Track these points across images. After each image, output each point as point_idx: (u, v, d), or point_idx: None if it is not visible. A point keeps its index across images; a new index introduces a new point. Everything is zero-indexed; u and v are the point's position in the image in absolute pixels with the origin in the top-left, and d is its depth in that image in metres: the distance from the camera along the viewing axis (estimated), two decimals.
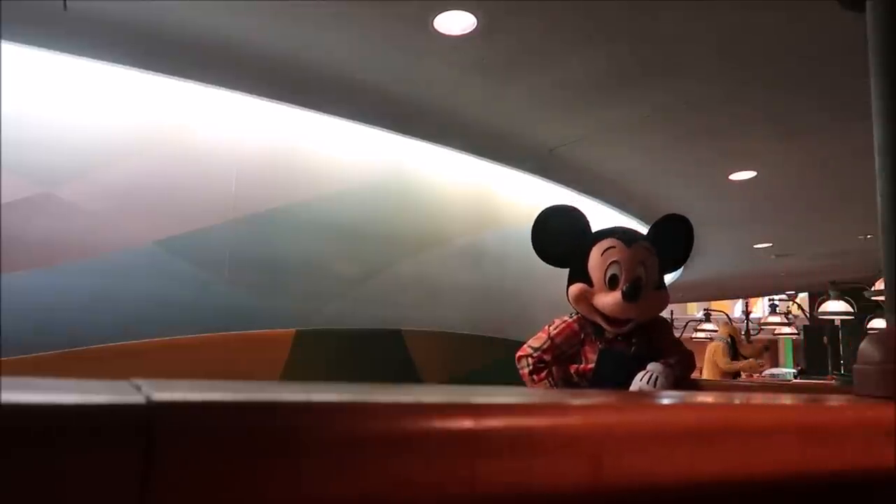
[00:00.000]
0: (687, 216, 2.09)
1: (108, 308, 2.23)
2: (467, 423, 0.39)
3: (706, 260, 6.16)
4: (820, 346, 9.73)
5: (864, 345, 0.76)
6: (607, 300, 1.80)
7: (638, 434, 0.46)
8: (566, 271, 1.94)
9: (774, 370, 11.88)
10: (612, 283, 1.81)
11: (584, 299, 1.84)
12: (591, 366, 1.85)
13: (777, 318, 8.19)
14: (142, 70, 2.36)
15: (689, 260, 2.14)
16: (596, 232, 1.93)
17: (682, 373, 1.89)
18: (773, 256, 6.36)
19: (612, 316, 1.81)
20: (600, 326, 1.85)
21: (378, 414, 0.38)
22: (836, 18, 1.59)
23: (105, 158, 2.30)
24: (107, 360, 2.16)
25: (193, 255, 2.42)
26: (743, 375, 6.17)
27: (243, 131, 2.64)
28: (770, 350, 7.98)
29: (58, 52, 2.20)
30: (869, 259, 5.84)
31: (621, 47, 2.36)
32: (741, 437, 0.51)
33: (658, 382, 1.76)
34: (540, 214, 1.93)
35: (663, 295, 1.93)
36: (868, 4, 0.91)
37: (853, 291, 6.29)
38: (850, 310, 6.06)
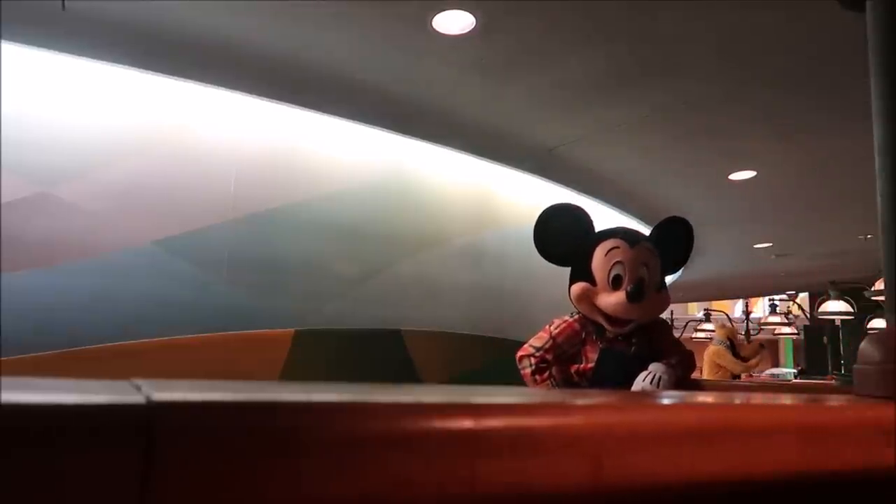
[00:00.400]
0: (687, 216, 2.10)
1: (108, 308, 2.23)
2: (467, 423, 0.39)
3: (706, 260, 6.16)
4: (820, 346, 9.73)
5: (864, 345, 0.76)
6: (610, 300, 1.80)
7: (638, 434, 0.46)
8: (567, 271, 1.93)
9: (775, 370, 11.90)
10: (616, 284, 1.81)
11: (587, 299, 1.84)
12: (591, 365, 1.84)
13: (777, 318, 8.19)
14: (141, 70, 2.35)
15: (688, 261, 2.14)
16: (599, 232, 1.93)
17: (683, 373, 1.89)
18: (773, 256, 6.36)
19: (615, 316, 1.81)
20: (601, 326, 1.85)
21: (378, 414, 0.38)
22: (836, 18, 1.59)
23: (104, 158, 2.30)
24: (106, 360, 2.16)
25: (193, 255, 2.42)
26: (743, 376, 6.15)
27: (242, 131, 2.64)
28: (767, 349, 7.95)
29: (57, 52, 2.20)
30: (869, 259, 5.84)
31: (620, 47, 2.36)
32: (741, 437, 0.51)
33: (661, 383, 1.76)
34: (542, 213, 1.92)
35: (665, 296, 1.93)
36: (868, 4, 0.91)
37: (853, 291, 6.29)
38: (850, 310, 6.06)
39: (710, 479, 0.48)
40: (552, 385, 1.86)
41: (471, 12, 2.13)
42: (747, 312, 9.15)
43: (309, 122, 2.79)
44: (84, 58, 2.24)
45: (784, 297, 8.57)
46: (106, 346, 2.18)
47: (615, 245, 1.84)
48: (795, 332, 8.82)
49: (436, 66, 2.53)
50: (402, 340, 2.91)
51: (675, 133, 3.19)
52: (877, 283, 5.54)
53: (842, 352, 9.02)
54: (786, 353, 16.80)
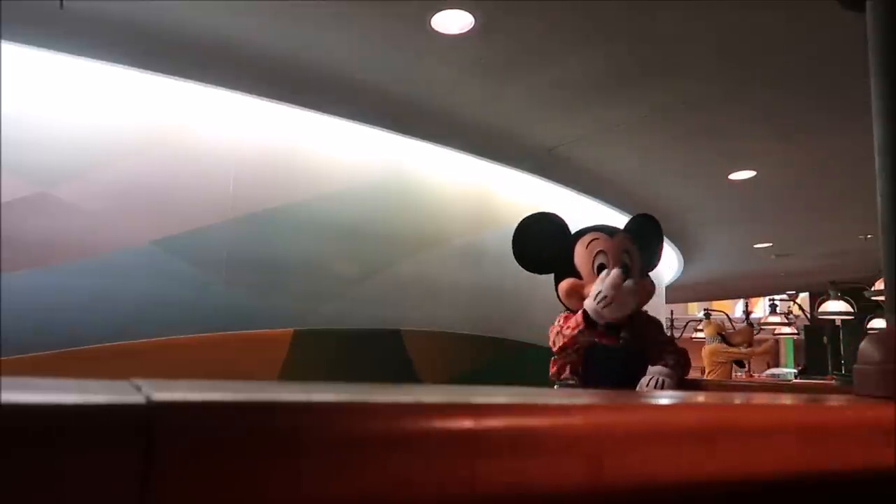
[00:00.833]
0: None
1: (107, 308, 2.23)
2: (467, 423, 0.39)
3: (706, 260, 6.17)
4: (820, 347, 9.74)
5: (864, 345, 0.76)
6: (603, 282, 1.80)
7: (638, 434, 0.46)
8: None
9: (775, 370, 11.90)
10: (601, 272, 1.83)
11: (576, 293, 1.87)
12: (580, 354, 1.86)
13: (777, 318, 8.19)
14: (140, 70, 2.36)
15: (661, 259, 2.20)
16: (577, 231, 1.98)
17: (681, 372, 1.90)
18: (773, 256, 6.36)
19: (611, 295, 1.79)
20: (592, 322, 1.84)
21: (378, 414, 0.38)
22: (836, 18, 1.59)
23: (103, 158, 2.30)
24: (105, 359, 2.16)
25: (192, 255, 2.42)
26: (744, 374, 6.12)
27: (242, 131, 2.64)
28: (755, 327, 7.94)
29: (56, 52, 2.20)
30: (869, 259, 5.84)
31: (620, 47, 2.36)
32: (741, 437, 0.51)
33: (664, 385, 1.76)
34: (520, 223, 1.97)
35: (649, 282, 1.96)
36: (868, 4, 0.91)
37: (853, 291, 6.29)
38: (850, 310, 6.06)
39: (710, 479, 0.48)
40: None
41: (470, 12, 2.13)
42: (747, 312, 9.16)
43: (308, 122, 2.79)
44: (83, 58, 2.24)
45: (784, 297, 8.57)
46: (105, 345, 2.18)
47: (595, 237, 1.90)
48: (795, 332, 8.83)
49: (435, 65, 2.53)
50: (402, 340, 2.91)
51: (674, 133, 3.19)
52: (877, 283, 5.54)
53: (842, 352, 9.02)
54: (786, 353, 16.80)
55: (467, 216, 3.31)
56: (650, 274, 2.04)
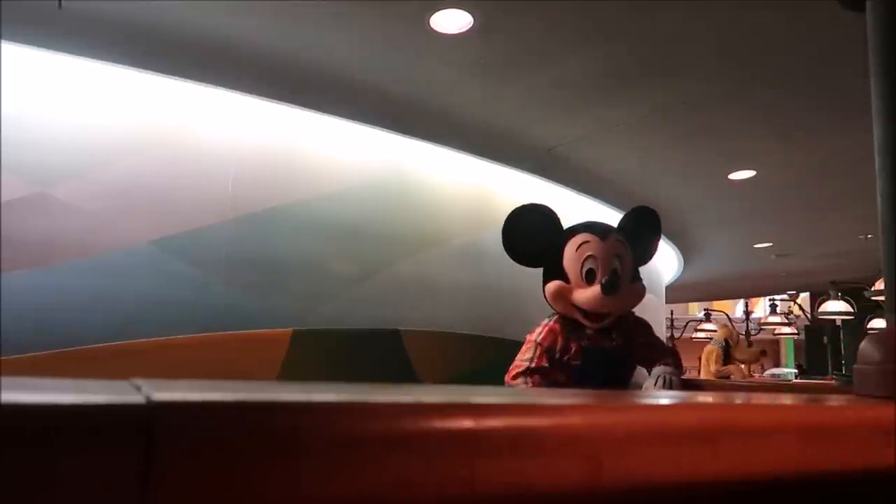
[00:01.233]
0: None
1: (106, 308, 2.23)
2: (467, 423, 0.39)
3: (706, 260, 6.16)
4: (821, 347, 9.75)
5: (864, 345, 0.76)
6: (585, 295, 1.80)
7: (638, 434, 0.46)
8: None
9: (776, 370, 11.91)
10: (589, 278, 1.82)
11: (562, 296, 1.84)
12: (576, 363, 1.84)
13: (777, 318, 8.19)
14: (139, 70, 2.35)
15: (657, 249, 2.17)
16: (568, 228, 1.94)
17: (680, 371, 1.91)
18: (773, 256, 6.36)
19: (591, 310, 1.81)
20: (581, 325, 1.85)
21: (378, 414, 0.38)
22: (836, 18, 1.59)
23: (102, 158, 2.30)
24: (104, 359, 2.16)
25: (191, 254, 2.42)
26: (736, 376, 6.05)
27: (241, 131, 2.64)
28: (768, 354, 7.90)
29: (54, 52, 2.20)
30: (869, 259, 5.84)
31: (620, 47, 2.36)
32: (741, 437, 0.51)
33: (673, 384, 1.77)
34: (511, 214, 1.93)
35: (639, 287, 1.94)
36: (868, 4, 0.91)
37: (853, 291, 6.29)
38: (851, 310, 6.06)
39: (710, 479, 0.48)
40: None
41: (468, 11, 2.13)
42: (748, 312, 9.16)
43: (307, 122, 2.79)
44: (82, 57, 2.24)
45: (785, 297, 8.57)
46: (104, 345, 2.18)
47: (586, 239, 1.85)
48: (796, 332, 8.83)
49: (434, 65, 2.53)
50: (401, 340, 2.91)
51: (674, 133, 3.19)
52: (877, 283, 5.54)
53: (842, 352, 9.03)
54: (787, 353, 16.80)
55: (467, 216, 3.31)
56: (652, 266, 2.03)
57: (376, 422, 0.37)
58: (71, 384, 0.33)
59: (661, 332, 6.03)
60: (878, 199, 0.86)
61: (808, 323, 9.60)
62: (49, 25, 2.10)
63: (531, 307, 3.28)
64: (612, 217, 3.94)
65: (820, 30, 2.19)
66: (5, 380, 0.30)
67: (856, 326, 7.44)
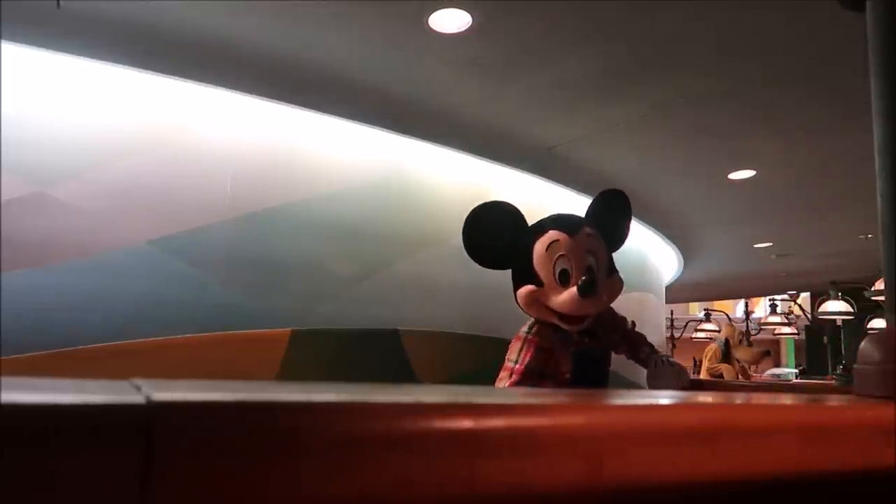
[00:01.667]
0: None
1: (105, 308, 2.23)
2: (467, 423, 0.39)
3: (706, 260, 6.16)
4: (821, 347, 9.75)
5: (864, 345, 0.76)
6: (563, 298, 1.67)
7: (638, 434, 0.46)
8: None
9: (776, 370, 11.92)
10: (563, 279, 1.69)
11: (536, 302, 1.72)
12: (568, 375, 1.73)
13: (777, 319, 8.19)
14: (138, 69, 2.35)
15: (629, 233, 2.06)
16: (534, 225, 1.80)
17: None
18: (773, 256, 6.36)
19: (570, 314, 1.68)
20: (563, 331, 1.72)
21: (378, 414, 0.38)
22: (836, 18, 1.59)
23: (101, 158, 2.30)
24: (103, 359, 2.16)
25: (190, 254, 2.42)
26: (725, 376, 5.96)
27: (240, 130, 2.64)
28: (771, 354, 7.89)
29: (53, 52, 2.19)
30: (869, 259, 5.84)
31: (619, 46, 2.36)
32: (741, 437, 0.51)
33: (671, 362, 1.76)
34: (471, 213, 1.78)
35: (617, 279, 1.81)
36: (868, 4, 0.91)
37: (853, 291, 6.29)
38: (851, 310, 6.06)
39: (710, 479, 0.48)
40: None
41: (467, 11, 2.13)
42: (748, 312, 9.16)
43: (306, 122, 2.79)
44: (81, 57, 2.24)
45: (785, 297, 8.58)
46: (102, 345, 2.18)
47: (555, 238, 1.71)
48: (796, 332, 8.83)
49: (433, 65, 2.52)
50: (400, 340, 2.91)
51: (674, 132, 3.19)
52: (877, 283, 5.54)
53: (843, 352, 9.03)
54: (788, 353, 16.81)
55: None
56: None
57: (376, 422, 0.37)
58: (70, 384, 0.33)
59: (662, 332, 6.03)
60: (878, 199, 0.86)
61: (808, 323, 9.60)
62: (48, 25, 2.10)
63: None
64: None
65: (820, 30, 2.19)
66: (5, 380, 0.30)
67: (856, 326, 7.44)
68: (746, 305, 10.30)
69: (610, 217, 1.91)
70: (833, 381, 4.60)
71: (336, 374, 2.70)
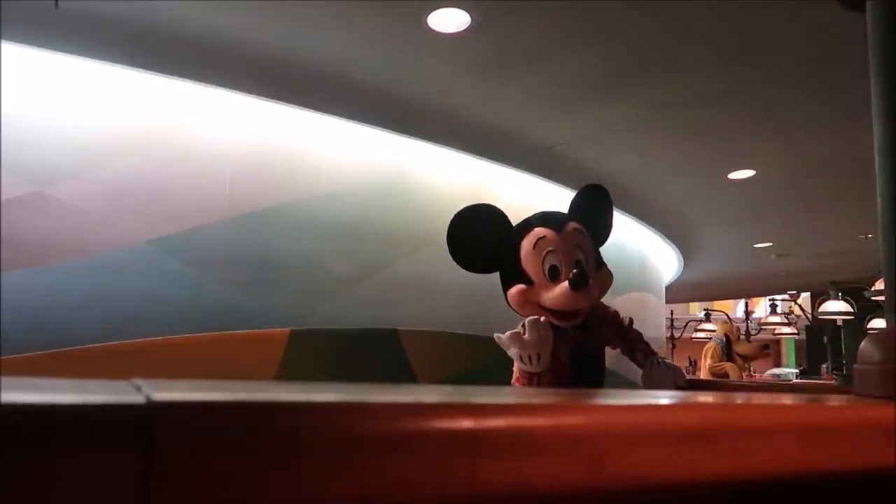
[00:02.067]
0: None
1: (103, 307, 2.23)
2: (467, 423, 0.39)
3: (706, 260, 6.17)
4: (821, 347, 9.76)
5: (864, 345, 0.76)
6: (555, 294, 1.67)
7: (638, 434, 0.46)
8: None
9: (777, 370, 11.92)
10: (553, 275, 1.69)
11: (528, 301, 1.72)
12: (567, 371, 1.72)
13: (778, 318, 8.19)
14: (137, 69, 2.35)
15: (612, 229, 2.05)
16: (520, 224, 1.81)
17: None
18: (773, 256, 6.36)
19: (563, 310, 1.69)
20: (557, 328, 1.69)
21: (378, 414, 0.38)
22: (836, 18, 1.59)
23: (100, 158, 2.30)
24: (101, 359, 2.16)
25: (189, 254, 2.42)
26: (731, 376, 5.96)
27: (238, 130, 2.64)
28: (771, 350, 7.90)
29: (52, 51, 2.19)
30: (869, 259, 5.85)
31: (619, 46, 2.36)
32: (741, 437, 0.51)
33: (668, 364, 1.76)
34: (455, 217, 1.78)
35: (606, 273, 1.81)
36: (868, 4, 0.91)
37: (853, 291, 6.30)
38: (851, 310, 6.06)
39: (710, 479, 0.48)
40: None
41: (466, 11, 2.13)
42: (748, 312, 9.17)
43: (305, 122, 2.79)
44: (80, 57, 2.24)
45: (785, 297, 8.58)
46: (100, 345, 2.18)
47: (541, 234, 1.71)
48: (796, 332, 8.84)
49: (432, 64, 2.52)
50: (399, 340, 2.91)
51: (673, 132, 3.19)
52: (877, 283, 5.55)
53: (843, 351, 9.04)
54: (788, 353, 16.81)
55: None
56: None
57: (376, 422, 0.37)
58: (70, 384, 0.33)
59: (661, 332, 6.03)
60: (878, 199, 0.86)
61: (808, 323, 9.61)
62: (47, 25, 2.10)
63: None
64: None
65: (820, 30, 2.19)
66: (5, 380, 0.30)
67: (856, 326, 7.44)
68: (746, 305, 10.31)
69: (593, 211, 1.91)
70: (833, 381, 4.61)
71: (335, 374, 2.70)
